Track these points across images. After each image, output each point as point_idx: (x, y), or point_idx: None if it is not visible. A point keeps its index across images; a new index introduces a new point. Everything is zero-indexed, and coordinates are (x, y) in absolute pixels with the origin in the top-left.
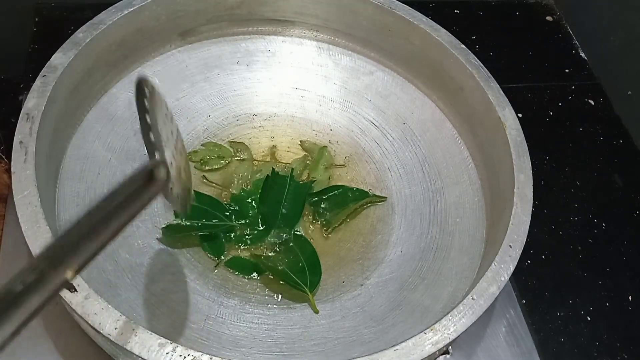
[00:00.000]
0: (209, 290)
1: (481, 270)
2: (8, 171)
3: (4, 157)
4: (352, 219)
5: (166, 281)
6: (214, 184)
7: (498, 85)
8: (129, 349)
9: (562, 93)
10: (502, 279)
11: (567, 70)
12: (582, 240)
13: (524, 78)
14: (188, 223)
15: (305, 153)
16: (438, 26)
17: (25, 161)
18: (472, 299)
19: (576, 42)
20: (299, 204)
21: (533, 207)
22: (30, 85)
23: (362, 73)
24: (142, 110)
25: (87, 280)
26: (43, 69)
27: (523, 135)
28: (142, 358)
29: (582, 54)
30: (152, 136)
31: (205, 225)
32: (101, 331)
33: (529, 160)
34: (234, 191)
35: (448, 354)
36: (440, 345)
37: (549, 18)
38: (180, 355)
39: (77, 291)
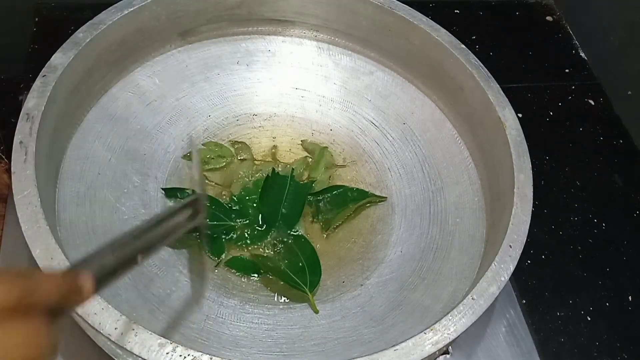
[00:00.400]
0: (209, 290)
1: (481, 270)
2: (8, 171)
3: (4, 157)
4: (352, 219)
5: (166, 281)
6: (215, 184)
7: (498, 85)
8: (129, 349)
9: (562, 93)
10: (502, 279)
11: (567, 70)
12: (582, 240)
13: (524, 78)
14: None
15: (306, 154)
16: (438, 26)
17: (25, 161)
18: (472, 299)
19: (576, 42)
20: (299, 204)
21: (533, 207)
22: (30, 85)
23: (362, 73)
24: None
25: None
26: (43, 69)
27: (523, 135)
28: (142, 358)
29: (582, 54)
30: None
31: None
32: (101, 331)
33: (529, 160)
34: (235, 191)
35: (448, 354)
36: (440, 345)
37: (549, 18)
38: (180, 355)
39: None
